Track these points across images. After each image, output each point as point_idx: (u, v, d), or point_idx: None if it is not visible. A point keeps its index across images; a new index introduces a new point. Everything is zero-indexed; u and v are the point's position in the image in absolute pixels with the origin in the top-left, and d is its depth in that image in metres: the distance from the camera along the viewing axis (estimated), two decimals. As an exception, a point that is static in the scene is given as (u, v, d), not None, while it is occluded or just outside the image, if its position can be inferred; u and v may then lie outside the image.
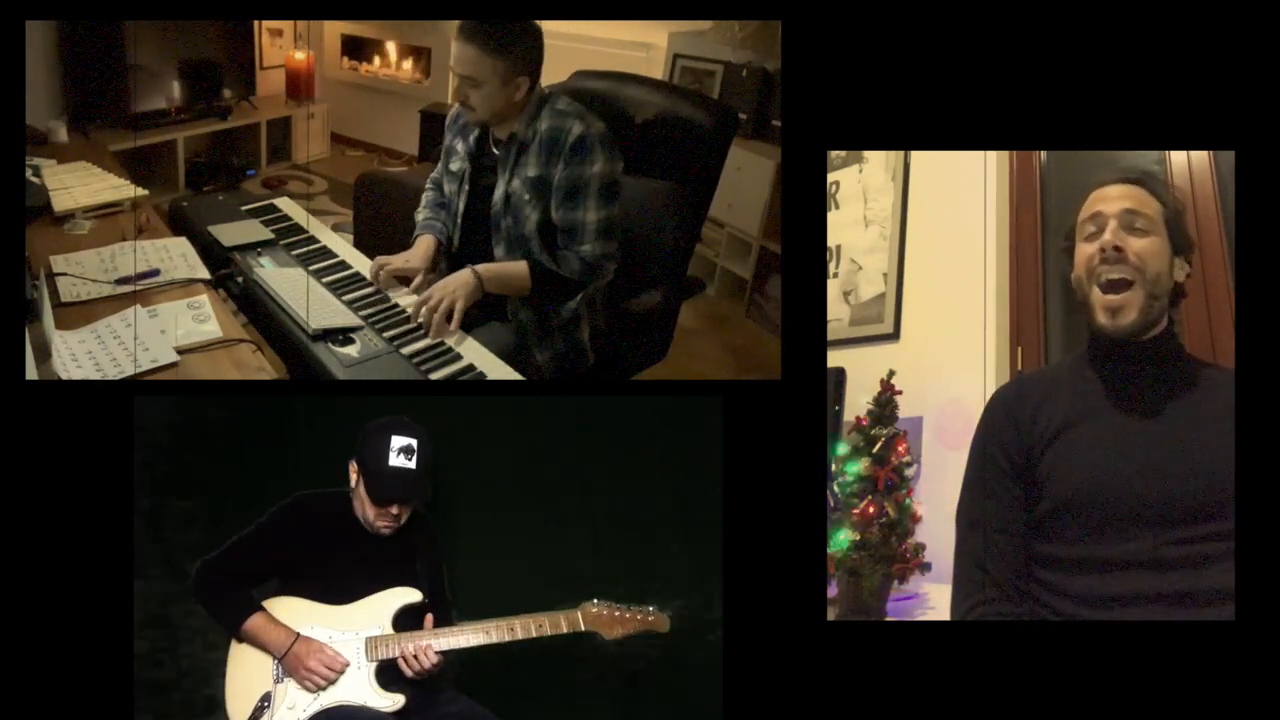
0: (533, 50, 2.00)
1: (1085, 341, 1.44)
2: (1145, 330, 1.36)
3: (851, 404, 2.42)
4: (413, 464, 1.64)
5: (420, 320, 1.92)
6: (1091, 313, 1.38)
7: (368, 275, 2.12)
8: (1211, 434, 1.32)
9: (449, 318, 1.91)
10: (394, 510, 1.66)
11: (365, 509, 1.67)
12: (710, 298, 3.66)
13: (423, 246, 2.17)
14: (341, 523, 1.70)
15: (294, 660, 1.60)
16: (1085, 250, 1.39)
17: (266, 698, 1.60)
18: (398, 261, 2.11)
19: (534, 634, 1.63)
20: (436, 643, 1.62)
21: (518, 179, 2.04)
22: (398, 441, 1.64)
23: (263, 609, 1.63)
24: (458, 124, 2.19)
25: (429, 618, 1.65)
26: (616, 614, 1.66)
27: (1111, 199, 1.39)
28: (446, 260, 2.23)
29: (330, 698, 1.61)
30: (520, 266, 2.04)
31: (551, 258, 2.05)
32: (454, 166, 2.20)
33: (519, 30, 1.97)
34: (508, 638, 1.63)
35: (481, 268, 1.99)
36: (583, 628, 1.65)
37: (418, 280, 2.08)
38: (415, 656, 1.61)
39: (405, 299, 2.02)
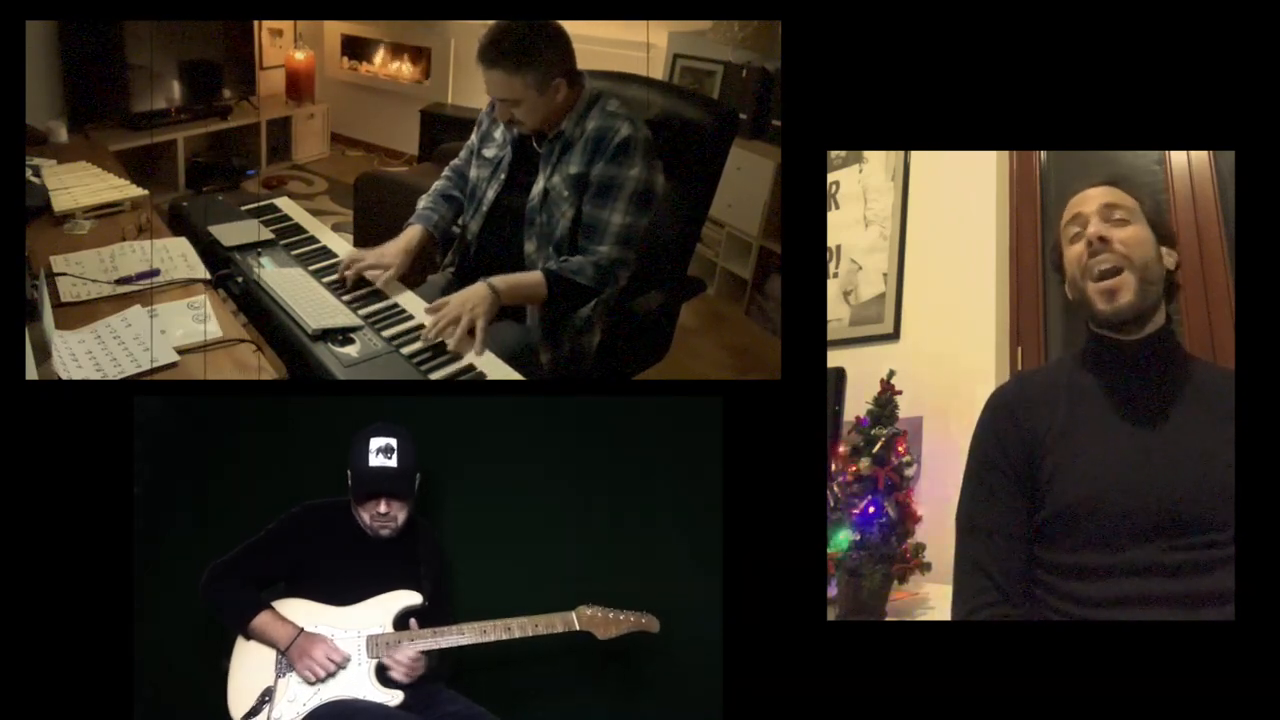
0: (557, 51, 1.96)
1: (1084, 341, 1.44)
2: (1142, 316, 1.36)
3: (851, 404, 2.42)
4: (393, 462, 1.69)
5: (435, 338, 1.85)
6: (1089, 304, 1.37)
7: (339, 271, 2.08)
8: (1213, 439, 1.31)
9: (472, 334, 1.84)
10: (382, 509, 1.69)
11: (359, 513, 1.72)
12: (710, 298, 3.65)
13: (403, 239, 2.14)
14: (346, 529, 1.74)
15: (297, 651, 1.63)
16: (1074, 251, 1.40)
17: (268, 692, 1.62)
18: (370, 258, 2.08)
19: (530, 634, 1.67)
20: (436, 642, 1.65)
21: (558, 175, 2.01)
22: (376, 442, 1.70)
23: (270, 607, 1.67)
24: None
25: (413, 621, 1.68)
26: (610, 616, 1.70)
27: (1089, 199, 1.41)
28: (455, 253, 2.22)
29: (330, 692, 1.63)
30: (535, 276, 2.00)
31: (568, 260, 2.01)
32: (488, 153, 2.16)
33: (537, 37, 1.92)
34: (504, 637, 1.66)
35: (496, 280, 1.95)
36: (577, 628, 1.69)
37: (389, 274, 2.05)
38: (400, 656, 1.63)
39: (406, 301, 2.01)
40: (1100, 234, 1.36)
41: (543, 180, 2.03)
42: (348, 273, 2.06)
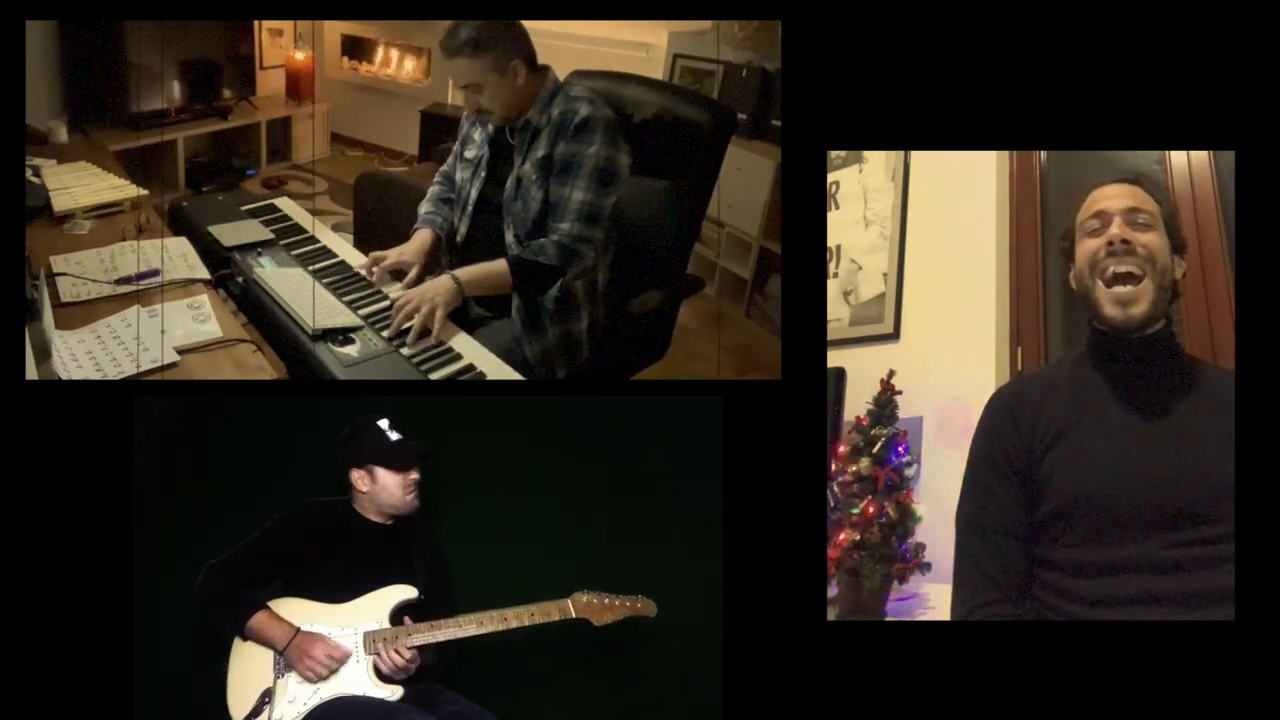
0: (510, 34, 2.01)
1: (1085, 340, 1.44)
2: (1151, 323, 1.36)
3: (851, 404, 2.42)
4: (400, 434, 1.75)
5: (397, 330, 1.89)
6: (1098, 306, 1.37)
7: (362, 270, 2.13)
8: (1211, 436, 1.31)
9: (429, 325, 1.88)
10: (415, 476, 1.74)
11: (394, 492, 1.73)
12: (710, 298, 3.65)
13: (418, 241, 2.20)
14: (342, 528, 1.75)
15: (296, 651, 1.62)
16: (1089, 245, 1.39)
17: (268, 693, 1.62)
18: (392, 256, 2.14)
19: (526, 623, 1.66)
20: (433, 635, 1.65)
21: (529, 162, 2.03)
22: (383, 423, 1.75)
23: (267, 607, 1.66)
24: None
25: (407, 618, 1.68)
26: (605, 601, 1.69)
27: (1113, 197, 1.40)
28: (448, 253, 2.24)
29: (330, 690, 1.63)
30: (499, 265, 2.02)
31: (530, 244, 2.03)
32: (469, 154, 2.21)
33: (491, 24, 1.98)
34: (500, 627, 1.66)
35: (460, 271, 1.99)
36: (573, 615, 1.68)
37: (412, 274, 2.11)
38: (389, 654, 1.62)
39: (397, 294, 2.03)
40: (1124, 236, 1.36)
41: (515, 169, 2.07)
42: (374, 269, 2.11)
